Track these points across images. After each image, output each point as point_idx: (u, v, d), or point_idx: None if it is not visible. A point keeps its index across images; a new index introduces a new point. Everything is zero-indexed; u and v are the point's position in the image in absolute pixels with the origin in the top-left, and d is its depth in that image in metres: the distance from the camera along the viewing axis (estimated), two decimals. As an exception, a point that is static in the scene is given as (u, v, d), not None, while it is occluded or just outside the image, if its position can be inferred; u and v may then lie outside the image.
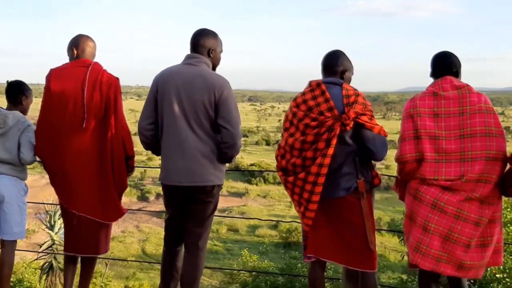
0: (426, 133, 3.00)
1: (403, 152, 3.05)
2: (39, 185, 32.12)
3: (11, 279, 11.52)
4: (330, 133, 3.00)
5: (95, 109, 3.44)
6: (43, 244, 10.54)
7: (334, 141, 3.00)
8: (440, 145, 2.97)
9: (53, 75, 3.54)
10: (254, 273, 15.11)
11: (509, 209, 8.22)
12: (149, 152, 3.66)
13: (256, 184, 50.54)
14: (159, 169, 3.48)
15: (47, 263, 9.81)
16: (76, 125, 3.45)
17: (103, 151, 3.48)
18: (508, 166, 2.97)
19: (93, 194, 3.51)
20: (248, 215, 37.32)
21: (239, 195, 47.43)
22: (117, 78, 3.58)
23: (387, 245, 29.38)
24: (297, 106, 3.17)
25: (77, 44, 3.60)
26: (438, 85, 3.10)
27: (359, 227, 3.12)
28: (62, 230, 6.25)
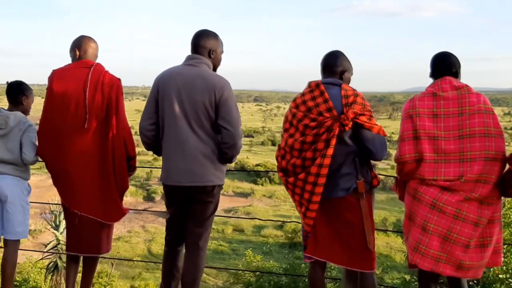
0: (425, 133, 3.00)
1: (402, 152, 3.05)
2: (45, 185, 32.25)
3: (17, 279, 11.61)
4: (329, 133, 3.01)
5: (96, 110, 3.47)
6: (48, 244, 10.59)
7: (334, 142, 3.00)
8: (439, 145, 2.97)
9: (56, 76, 3.57)
10: (257, 273, 15.11)
11: (512, 210, 8.20)
12: (155, 152, 3.68)
13: (262, 185, 50.56)
14: None
15: (52, 263, 9.86)
16: (78, 125, 3.47)
17: (104, 152, 3.51)
18: (507, 166, 2.97)
19: (95, 194, 3.54)
20: (254, 215, 37.32)
21: (244, 195, 47.48)
22: (119, 79, 3.60)
23: (393, 246, 29.33)
24: (296, 107, 3.19)
25: (79, 45, 3.62)
26: (437, 85, 3.11)
27: (358, 228, 3.13)
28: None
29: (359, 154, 3.11)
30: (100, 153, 3.51)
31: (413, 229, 3.05)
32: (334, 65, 3.23)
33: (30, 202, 3.93)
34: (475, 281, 6.89)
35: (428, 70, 3.28)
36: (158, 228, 36.75)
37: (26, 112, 3.83)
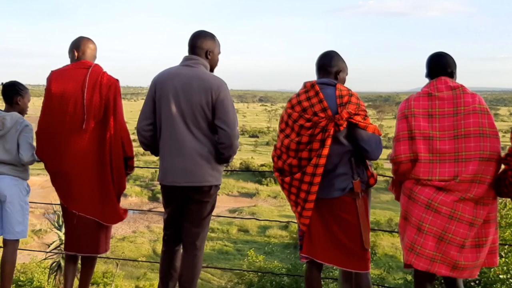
0: (420, 133, 3.00)
1: (398, 152, 3.06)
2: (50, 186, 32.11)
3: (22, 279, 11.66)
4: (324, 133, 3.02)
5: (94, 110, 3.49)
6: (51, 244, 10.64)
7: (329, 142, 3.01)
8: (434, 145, 2.97)
9: (54, 76, 3.59)
10: (260, 273, 15.14)
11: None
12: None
13: (267, 185, 50.51)
14: None
15: (55, 263, 9.91)
16: (76, 126, 3.50)
17: (102, 152, 3.53)
18: (502, 166, 2.97)
19: (93, 194, 3.56)
20: (259, 215, 37.29)
21: (249, 195, 47.47)
22: (117, 80, 3.63)
23: (398, 246, 29.23)
24: (291, 107, 3.20)
25: (78, 46, 3.65)
26: (432, 85, 3.11)
27: (354, 227, 3.13)
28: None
29: (355, 154, 3.12)
30: (98, 153, 3.54)
31: (409, 229, 3.05)
32: (329, 65, 3.24)
33: (35, 202, 3.96)
34: (476, 281, 6.89)
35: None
36: (163, 228, 36.65)
37: (23, 112, 3.85)
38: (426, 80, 3.23)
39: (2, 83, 3.90)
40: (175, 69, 3.38)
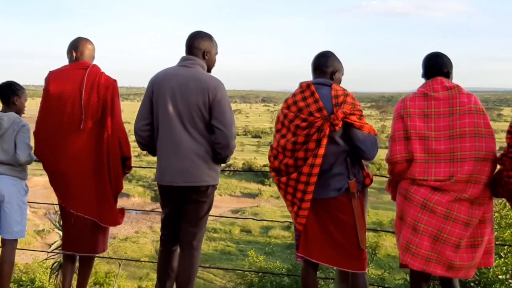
0: (416, 133, 3.01)
1: (393, 152, 3.06)
2: (53, 185, 32.34)
3: (24, 279, 11.63)
4: (320, 133, 3.02)
5: (92, 110, 3.51)
6: (52, 244, 10.64)
7: (324, 142, 3.02)
8: (430, 145, 2.98)
9: (52, 77, 3.61)
10: (260, 273, 15.13)
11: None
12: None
13: (269, 185, 50.40)
14: None
15: (56, 263, 9.90)
16: (74, 126, 3.52)
17: (100, 152, 3.55)
18: (498, 166, 2.97)
19: (91, 194, 3.58)
20: (261, 216, 37.23)
21: (252, 196, 47.42)
22: (115, 80, 3.64)
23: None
24: (287, 107, 3.21)
25: (76, 47, 3.66)
26: (428, 86, 3.11)
27: (350, 227, 3.14)
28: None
29: (351, 154, 3.12)
30: (96, 153, 3.55)
31: (404, 229, 3.05)
32: (325, 65, 3.25)
33: (37, 202, 3.98)
34: (475, 282, 6.88)
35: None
36: (166, 228, 36.60)
37: (20, 112, 3.86)
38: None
39: None
40: (172, 69, 3.39)
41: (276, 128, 3.29)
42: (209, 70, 3.48)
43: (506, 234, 7.87)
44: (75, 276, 3.92)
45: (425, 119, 3.03)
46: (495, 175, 2.97)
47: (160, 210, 3.54)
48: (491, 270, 6.59)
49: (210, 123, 3.28)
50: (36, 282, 11.17)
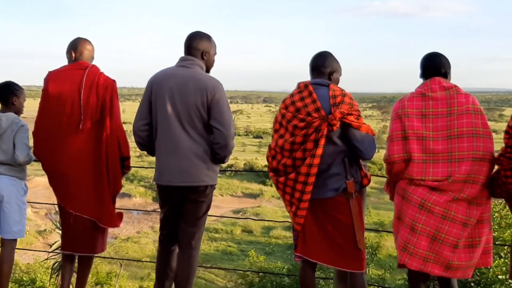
0: (413, 133, 3.01)
1: (391, 152, 3.06)
2: (54, 186, 32.33)
3: (25, 279, 11.65)
4: (318, 133, 3.03)
5: (91, 111, 3.52)
6: (53, 244, 10.67)
7: (322, 142, 3.03)
8: (428, 145, 2.98)
9: (51, 77, 3.62)
10: (261, 273, 15.16)
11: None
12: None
13: (271, 185, 50.29)
14: None
15: (57, 263, 9.92)
16: (73, 126, 3.53)
17: (98, 152, 3.55)
18: (496, 167, 2.97)
19: (90, 194, 3.59)
20: (263, 216, 37.23)
21: (253, 196, 47.41)
22: (114, 80, 3.65)
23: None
24: (285, 107, 3.21)
25: (75, 47, 3.67)
26: (426, 86, 3.11)
27: (348, 228, 3.14)
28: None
29: (348, 154, 3.13)
30: (94, 153, 3.56)
31: (402, 229, 3.05)
32: (322, 66, 3.25)
33: (39, 203, 3.99)
34: (475, 282, 6.88)
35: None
36: (167, 229, 36.56)
37: (19, 112, 3.87)
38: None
39: None
40: (171, 69, 3.40)
41: (274, 129, 3.30)
42: (207, 71, 3.48)
43: (506, 234, 7.87)
44: (74, 275, 3.93)
45: (423, 119, 3.03)
46: (493, 175, 2.97)
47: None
48: (491, 270, 6.59)
49: (209, 123, 3.28)
50: (37, 282, 11.21)
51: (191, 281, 3.45)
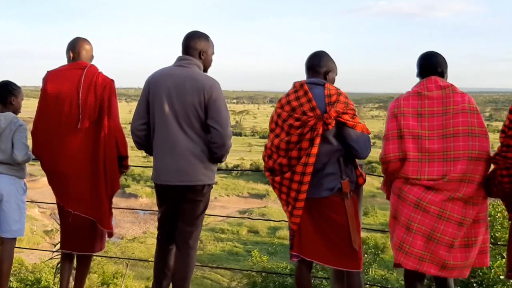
0: (409, 132, 3.01)
1: (387, 151, 3.06)
2: (62, 187, 32.41)
3: (30, 278, 11.70)
4: (313, 132, 3.03)
5: (89, 110, 3.53)
6: (57, 244, 10.70)
7: (318, 141, 3.03)
8: (423, 144, 2.97)
9: (50, 77, 3.64)
10: (264, 273, 15.17)
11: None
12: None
13: (277, 186, 50.33)
14: None
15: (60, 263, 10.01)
16: (71, 126, 3.55)
17: (96, 152, 3.57)
18: (492, 166, 2.96)
19: (88, 194, 3.61)
20: (269, 216, 37.17)
21: (259, 196, 47.37)
22: (112, 80, 3.67)
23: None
24: (281, 107, 3.22)
25: (74, 47, 3.69)
26: (422, 85, 3.11)
27: (343, 227, 3.14)
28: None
29: (344, 153, 3.13)
30: (92, 153, 3.58)
31: (398, 228, 3.05)
32: (318, 65, 3.25)
33: (45, 202, 4.00)
34: (477, 282, 6.85)
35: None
36: (173, 229, 36.60)
37: (16, 111, 3.89)
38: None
39: None
40: (168, 69, 3.41)
41: (270, 128, 3.30)
42: (205, 70, 3.49)
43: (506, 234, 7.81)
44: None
45: (418, 118, 3.03)
46: (489, 174, 2.96)
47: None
48: (492, 270, 6.56)
49: (206, 122, 3.29)
50: (42, 282, 11.28)
51: (189, 280, 3.46)
